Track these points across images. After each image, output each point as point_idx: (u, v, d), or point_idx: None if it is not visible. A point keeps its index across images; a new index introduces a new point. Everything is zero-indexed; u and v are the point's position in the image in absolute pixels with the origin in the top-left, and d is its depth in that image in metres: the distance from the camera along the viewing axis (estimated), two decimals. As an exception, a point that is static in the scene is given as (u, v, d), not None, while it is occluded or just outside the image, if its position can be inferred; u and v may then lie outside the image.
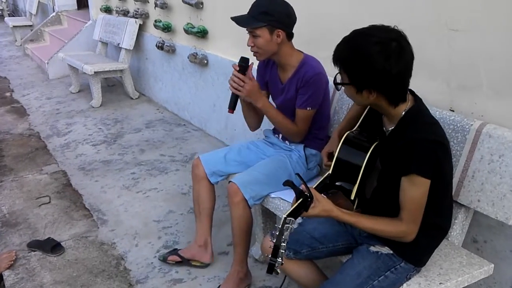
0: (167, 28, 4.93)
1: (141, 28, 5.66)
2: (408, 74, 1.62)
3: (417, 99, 1.71)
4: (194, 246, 2.63)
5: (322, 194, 1.70)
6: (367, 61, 1.56)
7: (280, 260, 1.52)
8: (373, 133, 1.86)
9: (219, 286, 2.43)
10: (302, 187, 1.65)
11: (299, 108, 2.36)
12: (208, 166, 2.53)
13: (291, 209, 1.58)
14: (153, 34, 5.40)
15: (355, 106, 2.08)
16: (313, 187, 1.74)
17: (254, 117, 2.58)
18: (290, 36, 2.33)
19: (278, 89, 2.46)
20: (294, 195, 1.65)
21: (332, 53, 1.66)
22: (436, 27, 2.17)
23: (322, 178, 1.90)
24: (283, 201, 2.29)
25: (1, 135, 4.71)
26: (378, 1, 2.48)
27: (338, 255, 1.96)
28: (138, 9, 5.61)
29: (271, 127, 2.68)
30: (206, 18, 4.26)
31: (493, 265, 1.88)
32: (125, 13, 5.98)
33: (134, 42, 5.62)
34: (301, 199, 1.60)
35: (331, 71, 1.72)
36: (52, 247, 2.78)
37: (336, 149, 1.87)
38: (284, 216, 1.53)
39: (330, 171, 1.89)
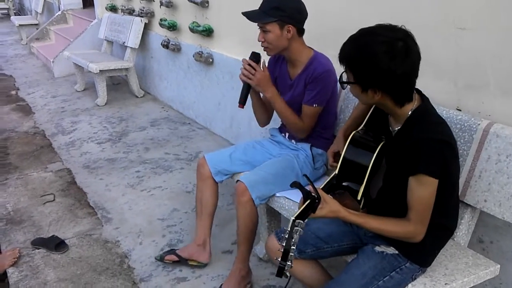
0: (172, 27, 4.92)
1: (147, 27, 5.67)
2: (414, 74, 1.61)
3: (424, 99, 1.70)
4: (193, 245, 2.62)
5: (329, 195, 1.69)
6: (372, 61, 1.54)
7: (290, 263, 1.52)
8: (379, 132, 1.85)
9: (221, 285, 2.43)
10: (310, 188, 1.64)
11: (306, 104, 2.35)
12: (213, 165, 2.52)
13: (299, 211, 1.57)
14: (159, 33, 5.40)
15: (360, 105, 2.07)
16: (320, 187, 1.73)
17: (264, 112, 2.58)
18: (301, 32, 2.33)
19: (286, 85, 2.46)
20: (299, 194, 1.64)
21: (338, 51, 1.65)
22: (443, 26, 2.16)
23: (329, 178, 1.89)
24: (288, 200, 2.28)
25: (6, 133, 4.73)
26: (385, 0, 2.46)
27: (343, 255, 1.95)
28: (143, 7, 5.61)
29: (277, 126, 2.67)
30: (212, 17, 4.25)
31: (499, 266, 1.86)
32: (131, 12, 5.98)
33: (139, 40, 5.62)
34: (308, 201, 1.59)
35: (340, 70, 1.71)
36: (56, 244, 2.79)
37: (343, 149, 1.86)
38: (293, 218, 1.53)
39: (336, 171, 1.88)
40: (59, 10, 8.96)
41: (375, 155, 1.78)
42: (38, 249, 2.80)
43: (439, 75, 2.21)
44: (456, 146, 1.66)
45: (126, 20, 5.85)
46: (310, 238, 1.89)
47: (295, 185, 1.64)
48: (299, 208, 1.61)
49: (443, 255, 1.84)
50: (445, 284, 1.71)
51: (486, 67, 2.02)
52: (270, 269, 2.61)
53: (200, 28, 4.33)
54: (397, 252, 1.72)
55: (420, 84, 1.66)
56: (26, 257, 2.73)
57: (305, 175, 1.73)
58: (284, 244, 1.52)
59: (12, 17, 12.00)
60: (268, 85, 2.37)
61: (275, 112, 2.49)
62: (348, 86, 1.70)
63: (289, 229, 1.52)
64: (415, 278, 1.73)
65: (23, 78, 6.97)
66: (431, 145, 1.56)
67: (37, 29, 9.54)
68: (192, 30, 4.48)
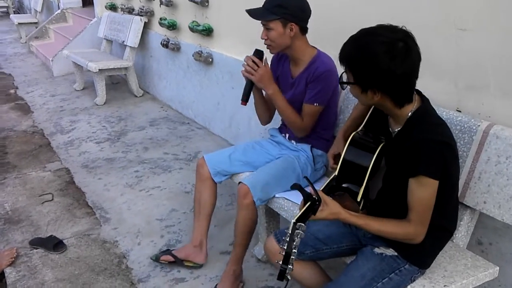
0: (172, 26, 4.91)
1: (146, 26, 5.66)
2: (414, 75, 1.60)
3: (424, 100, 1.69)
4: (190, 246, 2.61)
5: (329, 196, 1.69)
6: (372, 61, 1.54)
7: (291, 267, 1.51)
8: (379, 133, 1.85)
9: (216, 285, 2.42)
10: (310, 190, 1.63)
11: (307, 103, 2.35)
12: (212, 165, 2.51)
13: (300, 213, 1.56)
14: (158, 32, 5.40)
15: (360, 105, 2.06)
16: (320, 189, 1.73)
17: (265, 110, 2.58)
18: (304, 30, 2.33)
19: (288, 84, 2.45)
20: (298, 194, 1.64)
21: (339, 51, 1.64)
22: (444, 26, 2.15)
23: (329, 180, 1.88)
24: (287, 201, 2.28)
25: (5, 132, 4.71)
26: (385, 0, 2.45)
27: (342, 256, 1.94)
28: (143, 6, 5.60)
29: (277, 126, 2.66)
30: (212, 16, 4.24)
31: (498, 268, 1.85)
32: (130, 11, 5.97)
33: (139, 40, 5.61)
34: (309, 203, 1.58)
35: (342, 70, 1.70)
36: (54, 244, 2.78)
37: (343, 150, 1.86)
38: (293, 221, 1.52)
39: (336, 173, 1.88)
40: (59, 8, 8.95)
41: (375, 156, 1.78)
42: (36, 249, 2.79)
43: (439, 76, 2.21)
44: (456, 148, 1.66)
45: (126, 19, 5.83)
46: (309, 240, 1.88)
47: (296, 187, 1.63)
48: (299, 211, 1.60)
49: (442, 257, 1.84)
50: (444, 286, 1.71)
51: (487, 68, 2.02)
52: (268, 270, 2.60)
53: (200, 28, 4.32)
54: (396, 253, 1.71)
55: (420, 84, 1.65)
56: (24, 257, 2.72)
57: (305, 177, 1.72)
58: (285, 247, 1.51)
59: (11, 15, 11.97)
60: (270, 82, 2.37)
61: (276, 111, 2.49)
62: (348, 87, 1.70)
63: (290, 232, 1.51)
64: (414, 280, 1.73)
65: (22, 76, 6.96)
66: (432, 146, 1.55)
67: (36, 27, 9.52)
68: (191, 29, 4.47)
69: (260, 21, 2.31)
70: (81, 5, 8.87)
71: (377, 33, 1.57)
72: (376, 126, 1.87)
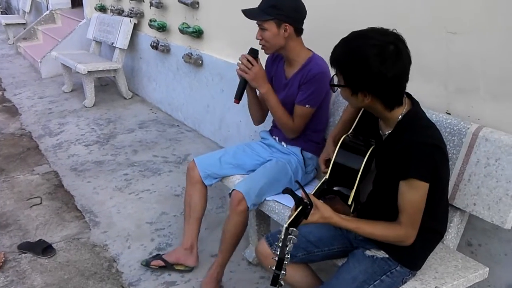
0: (162, 28, 4.90)
1: (136, 28, 5.63)
2: (405, 78, 1.61)
3: (414, 103, 1.70)
4: (180, 249, 2.60)
5: (320, 200, 1.69)
6: (363, 63, 1.54)
7: (284, 272, 1.51)
8: (369, 136, 1.85)
9: None
10: (302, 194, 1.63)
11: (298, 104, 2.35)
12: (203, 168, 2.51)
13: (292, 218, 1.56)
14: (148, 34, 5.37)
15: (349, 109, 2.07)
16: (311, 193, 1.73)
17: (258, 110, 2.58)
18: (298, 31, 2.34)
19: (281, 84, 2.46)
20: (289, 197, 1.64)
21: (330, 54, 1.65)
22: (434, 29, 2.16)
23: (320, 183, 1.88)
24: (278, 204, 2.28)
25: (-8, 135, 4.67)
26: (376, 3, 2.46)
27: (333, 259, 1.94)
28: (133, 8, 5.57)
29: (268, 129, 2.66)
30: (202, 18, 4.23)
31: (488, 269, 1.87)
32: (120, 12, 5.94)
33: (128, 41, 5.58)
34: (300, 207, 1.58)
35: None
36: (43, 249, 2.75)
37: (333, 154, 1.86)
38: (286, 226, 1.52)
39: (327, 176, 1.88)
40: (47, 9, 8.87)
41: (365, 159, 1.78)
42: (25, 253, 2.76)
43: (429, 78, 2.22)
44: (446, 150, 1.67)
45: (115, 21, 5.80)
46: (301, 242, 1.88)
47: (287, 191, 1.63)
48: (291, 215, 1.60)
49: (433, 258, 1.85)
50: (435, 287, 1.71)
51: (477, 72, 2.03)
52: (259, 273, 2.60)
53: (190, 29, 4.30)
54: (387, 255, 1.72)
55: (410, 87, 1.66)
56: (12, 262, 2.69)
57: (296, 181, 1.72)
58: (278, 253, 1.51)
59: (-2, 16, 11.86)
60: (264, 80, 2.37)
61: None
62: (339, 89, 1.70)
63: (282, 237, 1.51)
64: (405, 282, 1.73)
65: (9, 78, 6.89)
66: (422, 149, 1.56)
67: (24, 28, 9.44)
68: (181, 31, 4.45)
69: (255, 22, 2.32)
70: (70, 6, 8.80)
71: (368, 36, 1.57)
72: (366, 129, 1.88)
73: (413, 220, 1.62)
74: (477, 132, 1.87)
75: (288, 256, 1.51)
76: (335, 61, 1.63)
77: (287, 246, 1.50)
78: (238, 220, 2.30)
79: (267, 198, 2.33)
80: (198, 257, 2.61)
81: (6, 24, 9.94)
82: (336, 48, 1.63)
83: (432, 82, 2.21)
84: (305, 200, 1.60)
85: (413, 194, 1.59)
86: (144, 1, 5.36)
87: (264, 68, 2.42)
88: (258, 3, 2.36)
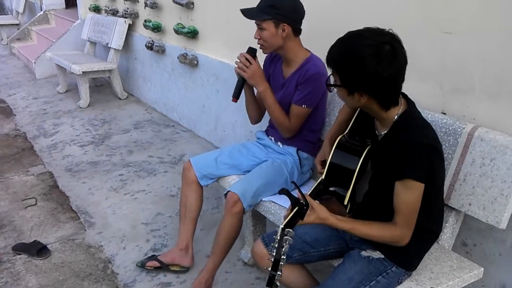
0: (157, 28, 4.89)
1: (131, 28, 5.61)
2: (401, 78, 1.61)
3: (410, 103, 1.71)
4: (175, 249, 2.60)
5: (316, 200, 1.69)
6: (359, 63, 1.55)
7: (280, 273, 1.51)
8: (365, 136, 1.85)
9: None
10: (298, 194, 1.63)
11: (295, 104, 2.36)
12: (198, 169, 2.50)
13: (288, 218, 1.56)
14: (143, 34, 5.36)
15: (345, 109, 2.07)
16: (308, 193, 1.73)
17: (256, 109, 2.58)
18: (297, 31, 2.34)
19: (279, 84, 2.46)
20: (285, 197, 1.64)
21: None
22: (430, 29, 2.17)
23: (316, 183, 1.88)
24: (274, 204, 2.28)
25: (-14, 135, 4.64)
26: (371, 3, 2.47)
27: (329, 259, 1.94)
28: (127, 8, 5.56)
29: (263, 129, 2.66)
30: (197, 19, 4.23)
31: (483, 269, 1.88)
32: (114, 13, 5.93)
33: (123, 42, 5.56)
34: (296, 207, 1.58)
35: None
36: (38, 250, 2.73)
37: (329, 154, 1.86)
38: (282, 227, 1.52)
39: (323, 177, 1.88)
40: (41, 10, 8.84)
41: (361, 159, 1.78)
42: (19, 254, 2.75)
43: (424, 78, 2.22)
44: (442, 150, 1.67)
45: (110, 21, 5.79)
46: (297, 243, 1.88)
47: (283, 192, 1.63)
48: (287, 215, 1.60)
49: (428, 259, 1.85)
50: (431, 287, 1.72)
51: (472, 71, 2.04)
52: (255, 274, 2.60)
53: (185, 30, 4.30)
54: (383, 256, 1.72)
55: (405, 87, 1.66)
56: (6, 263, 2.68)
57: (292, 182, 1.72)
58: (274, 254, 1.51)
59: (-8, 16, 11.81)
60: (261, 79, 2.38)
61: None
62: (335, 89, 1.70)
63: (278, 238, 1.51)
64: (401, 282, 1.73)
65: (3, 79, 6.85)
66: (418, 150, 1.56)
67: (18, 29, 9.40)
68: (176, 31, 4.44)
69: (251, 22, 2.33)
70: (64, 6, 8.78)
71: (364, 36, 1.58)
72: (362, 129, 1.88)
73: (409, 221, 1.62)
74: (473, 132, 1.88)
75: (284, 257, 1.51)
76: (332, 61, 1.64)
77: (283, 247, 1.50)
78: (233, 222, 2.29)
79: (263, 199, 2.32)
80: (194, 257, 2.60)
81: (-1, 24, 9.90)
82: (333, 48, 1.64)
83: (428, 82, 2.22)
84: (301, 201, 1.59)
85: (408, 194, 1.59)
86: (138, 2, 5.35)
87: (262, 67, 2.42)
88: (254, 4, 2.36)
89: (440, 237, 1.94)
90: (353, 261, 1.73)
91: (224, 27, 3.84)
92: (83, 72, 5.28)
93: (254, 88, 2.46)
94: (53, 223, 3.08)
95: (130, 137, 4.59)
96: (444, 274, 1.79)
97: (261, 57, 2.44)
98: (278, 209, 2.25)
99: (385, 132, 1.71)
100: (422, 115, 1.74)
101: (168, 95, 5.04)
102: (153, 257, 2.64)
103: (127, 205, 3.31)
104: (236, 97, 2.43)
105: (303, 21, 2.36)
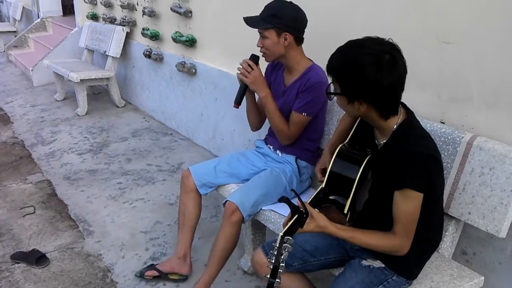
0: (155, 37, 4.90)
1: (128, 36, 5.63)
2: (400, 88, 1.63)
3: (409, 112, 1.72)
4: (174, 258, 2.59)
5: (316, 209, 1.69)
6: (359, 72, 1.56)
7: (279, 280, 1.51)
8: (365, 146, 1.86)
9: None
10: (298, 202, 1.63)
11: (295, 112, 2.37)
12: (198, 177, 2.51)
13: (287, 226, 1.56)
14: (141, 42, 5.37)
15: (346, 119, 2.08)
16: (308, 202, 1.73)
17: (256, 115, 2.60)
18: (299, 40, 2.37)
19: (280, 91, 2.48)
20: (285, 206, 1.64)
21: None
22: (428, 39, 2.19)
23: (316, 192, 1.89)
24: (274, 213, 2.28)
25: (-16, 143, 4.63)
26: (369, 13, 2.49)
27: (329, 268, 1.94)
28: (125, 16, 5.57)
29: (262, 137, 2.67)
30: (195, 27, 4.25)
31: (483, 278, 1.88)
32: (112, 21, 5.94)
33: (121, 50, 5.57)
34: (296, 216, 1.59)
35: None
36: (37, 258, 2.72)
37: (329, 163, 1.87)
38: (281, 234, 1.52)
39: (323, 185, 1.89)
40: (38, 17, 8.86)
41: (361, 168, 1.79)
42: (18, 263, 2.74)
43: (423, 88, 2.24)
44: (441, 160, 1.68)
45: (108, 29, 5.80)
46: (297, 252, 1.88)
47: (283, 200, 1.63)
48: (286, 223, 1.61)
49: (428, 267, 1.86)
50: (432, 296, 1.73)
51: (470, 81, 2.05)
52: (255, 282, 2.59)
53: (183, 38, 4.31)
54: (383, 265, 1.73)
55: (404, 96, 1.68)
56: (5, 272, 2.66)
57: (292, 190, 1.73)
58: (273, 261, 1.52)
59: (-12, 24, 11.80)
60: (263, 85, 2.40)
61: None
62: (335, 98, 1.71)
63: (277, 245, 1.51)
64: (402, 291, 1.74)
65: (1, 86, 6.84)
66: (417, 160, 1.57)
67: (15, 36, 9.40)
68: (175, 40, 4.46)
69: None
70: (62, 14, 8.79)
71: (364, 45, 1.59)
72: (362, 139, 1.89)
73: (408, 231, 1.63)
74: (472, 141, 1.89)
75: (283, 265, 1.51)
76: (332, 69, 1.65)
77: (282, 255, 1.51)
78: (231, 231, 2.29)
79: (263, 208, 2.33)
80: (192, 265, 2.60)
81: (-4, 32, 9.90)
82: (333, 57, 1.65)
83: (426, 92, 2.23)
84: (301, 209, 1.60)
85: (407, 204, 1.60)
86: (136, 10, 5.37)
87: (264, 74, 2.44)
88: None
89: (440, 245, 1.94)
90: (354, 270, 1.74)
91: (222, 36, 3.86)
92: (81, 80, 5.29)
93: (256, 95, 2.47)
94: (52, 232, 3.07)
95: (128, 145, 4.58)
96: (444, 283, 1.80)
97: (263, 65, 2.46)
98: (278, 218, 2.25)
99: (385, 141, 1.72)
100: (421, 124, 1.75)
101: (166, 103, 5.04)
102: (151, 266, 2.64)
103: (126, 213, 3.31)
104: (238, 103, 2.45)
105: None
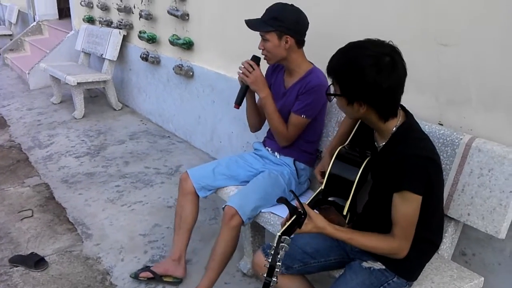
0: (151, 39, 4.90)
1: (125, 39, 5.62)
2: (400, 90, 1.64)
3: (408, 115, 1.73)
4: (168, 260, 2.59)
5: (315, 210, 1.70)
6: (359, 73, 1.57)
7: (275, 279, 1.52)
8: (365, 148, 1.87)
9: None
10: (296, 203, 1.64)
11: (294, 113, 2.38)
12: (196, 180, 2.51)
13: (285, 226, 1.57)
14: (137, 45, 5.37)
15: (346, 121, 2.09)
16: (306, 203, 1.74)
17: (256, 116, 2.60)
18: (300, 43, 2.38)
19: (280, 93, 2.49)
20: (284, 208, 1.65)
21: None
22: (426, 41, 2.20)
23: (315, 193, 1.90)
24: (273, 215, 2.28)
25: (-20, 147, 4.62)
26: (368, 15, 2.50)
27: (330, 270, 1.95)
28: (122, 19, 5.57)
29: (260, 140, 2.68)
30: (192, 30, 4.25)
31: (483, 279, 1.89)
32: (109, 24, 5.93)
33: (117, 53, 5.57)
34: (294, 216, 1.59)
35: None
36: (36, 262, 2.71)
37: (329, 165, 1.88)
38: (279, 234, 1.53)
39: (322, 186, 1.89)
40: (34, 21, 8.84)
41: (360, 170, 1.80)
42: (17, 267, 2.73)
43: (421, 90, 2.25)
44: (440, 162, 1.69)
45: (104, 32, 5.79)
46: (297, 254, 1.89)
47: (282, 200, 1.64)
48: (284, 224, 1.61)
49: (428, 269, 1.86)
50: (432, 297, 1.73)
51: (468, 83, 2.06)
52: (254, 284, 2.59)
53: (180, 41, 4.31)
54: (384, 267, 1.73)
55: (403, 98, 1.68)
56: (3, 276, 2.65)
57: (291, 191, 1.74)
58: (269, 260, 1.52)
59: (-16, 27, 11.77)
60: (263, 85, 2.41)
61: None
62: (335, 99, 1.72)
63: (275, 245, 1.52)
64: (402, 293, 1.74)
65: (-3, 90, 6.84)
66: (416, 162, 1.58)
67: (11, 39, 9.38)
68: (172, 43, 4.46)
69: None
70: (57, 17, 8.78)
71: (364, 46, 1.60)
72: (362, 141, 1.90)
73: (407, 233, 1.63)
74: (470, 142, 1.90)
75: (280, 264, 1.52)
76: (332, 70, 1.66)
77: (278, 254, 1.51)
78: (231, 236, 2.29)
79: (263, 210, 2.33)
80: (186, 268, 2.59)
81: (-8, 35, 9.88)
82: (333, 58, 1.66)
83: (424, 94, 2.24)
84: (299, 210, 1.61)
85: (406, 206, 1.60)
86: (133, 13, 5.37)
87: (264, 75, 2.45)
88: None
89: (440, 247, 1.95)
90: (354, 272, 1.74)
91: (220, 38, 3.86)
92: (77, 83, 5.28)
93: (256, 96, 2.48)
94: (50, 235, 3.07)
95: (125, 148, 4.58)
96: (444, 284, 1.81)
97: (264, 66, 2.47)
98: (277, 220, 2.25)
99: (384, 143, 1.72)
100: (420, 126, 1.76)
101: (164, 106, 5.04)
102: (146, 268, 2.63)
103: (124, 216, 3.30)
104: (238, 103, 2.46)
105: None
